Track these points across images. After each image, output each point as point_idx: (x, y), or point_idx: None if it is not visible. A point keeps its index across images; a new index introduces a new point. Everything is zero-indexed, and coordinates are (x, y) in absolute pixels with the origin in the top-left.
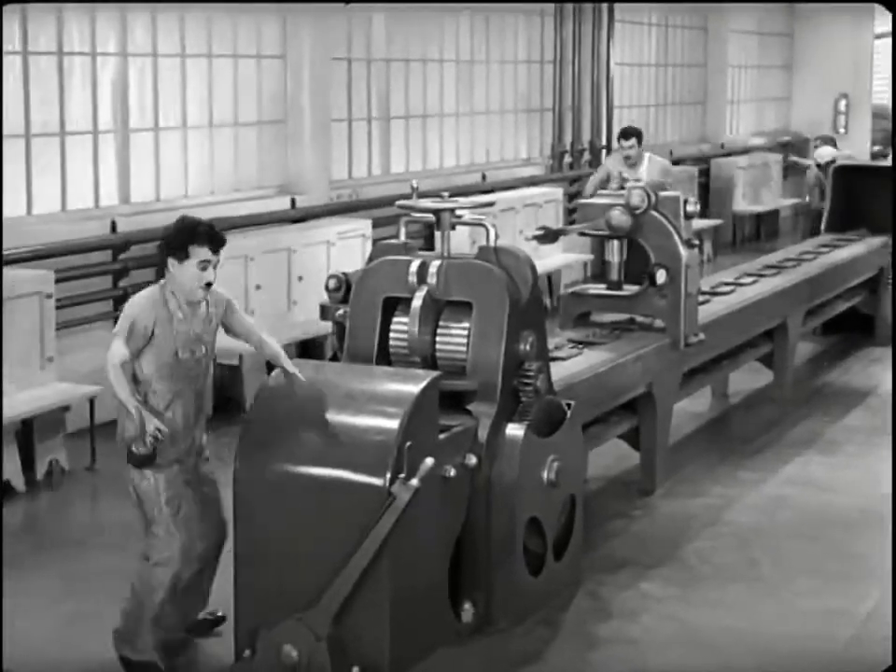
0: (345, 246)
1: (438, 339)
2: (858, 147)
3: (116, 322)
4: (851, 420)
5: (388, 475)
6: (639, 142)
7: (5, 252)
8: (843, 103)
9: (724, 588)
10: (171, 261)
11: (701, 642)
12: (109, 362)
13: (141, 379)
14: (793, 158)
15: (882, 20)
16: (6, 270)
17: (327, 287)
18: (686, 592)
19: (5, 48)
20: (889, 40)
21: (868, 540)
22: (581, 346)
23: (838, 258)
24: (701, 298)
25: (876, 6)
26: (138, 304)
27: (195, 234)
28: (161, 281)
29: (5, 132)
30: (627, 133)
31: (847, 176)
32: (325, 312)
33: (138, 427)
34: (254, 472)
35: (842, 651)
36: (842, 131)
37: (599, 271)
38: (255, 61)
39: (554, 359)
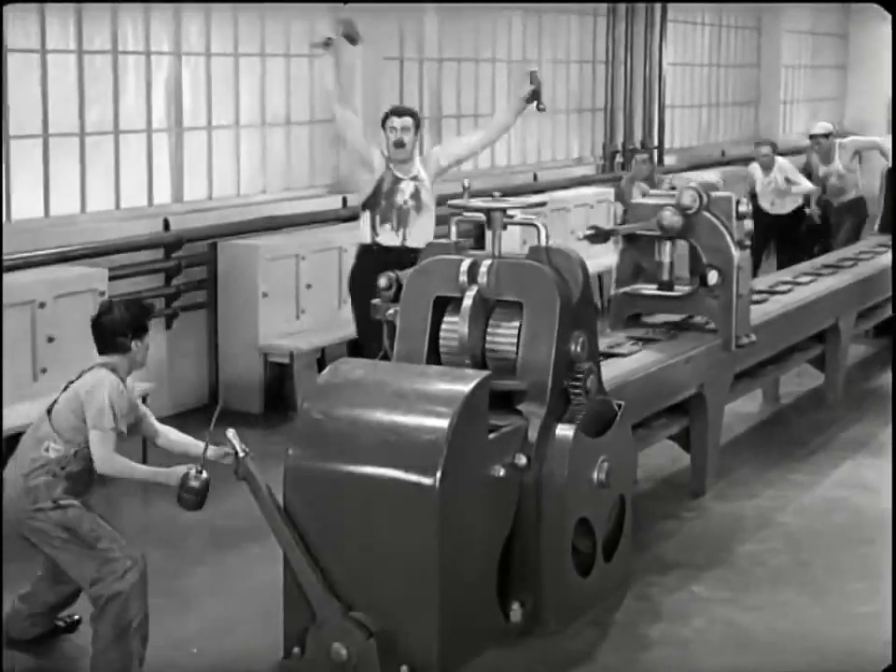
0: None
1: (488, 338)
2: None
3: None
4: None
5: (438, 474)
6: (416, 127)
7: (59, 249)
8: None
9: (776, 591)
10: (135, 343)
11: (752, 645)
12: (107, 462)
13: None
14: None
15: None
16: (58, 268)
17: (378, 286)
18: (737, 594)
19: (62, 46)
20: None
21: None
22: (639, 343)
23: (888, 259)
24: (757, 297)
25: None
26: (117, 390)
27: (149, 310)
28: (105, 363)
29: (61, 130)
30: (401, 110)
31: None
32: (376, 311)
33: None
34: (304, 470)
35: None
36: None
37: (637, 271)
38: (307, 60)
39: (612, 356)
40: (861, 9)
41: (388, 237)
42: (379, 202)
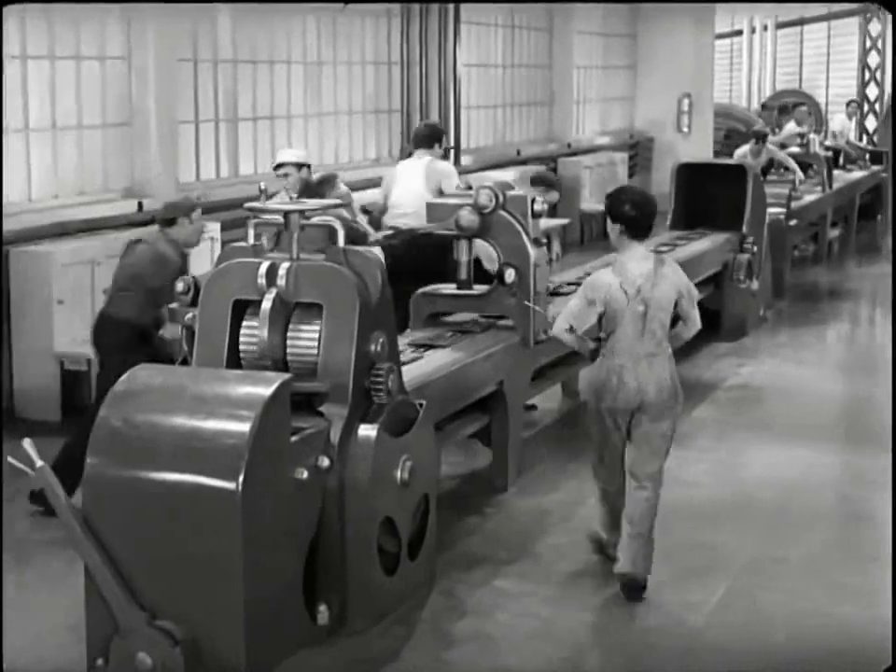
0: (194, 250)
1: (288, 341)
2: (701, 146)
3: None
4: (700, 414)
5: (241, 479)
6: None
7: None
8: (686, 102)
9: (579, 584)
10: None
11: (556, 638)
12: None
13: None
14: None
15: (721, 21)
16: None
17: (175, 291)
18: (541, 588)
19: None
20: (727, 41)
21: (720, 532)
22: (433, 345)
23: (683, 254)
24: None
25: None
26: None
27: None
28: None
29: None
30: None
31: (691, 174)
32: (173, 315)
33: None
34: (104, 478)
35: (693, 642)
36: (685, 130)
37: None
38: (98, 62)
39: (406, 359)
40: (650, 10)
41: None
42: None
